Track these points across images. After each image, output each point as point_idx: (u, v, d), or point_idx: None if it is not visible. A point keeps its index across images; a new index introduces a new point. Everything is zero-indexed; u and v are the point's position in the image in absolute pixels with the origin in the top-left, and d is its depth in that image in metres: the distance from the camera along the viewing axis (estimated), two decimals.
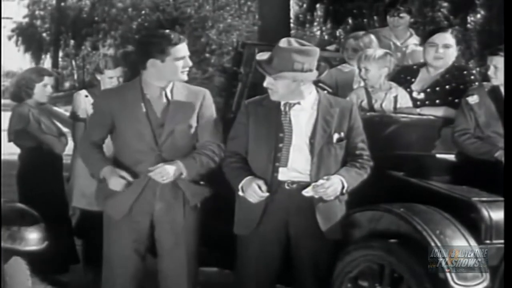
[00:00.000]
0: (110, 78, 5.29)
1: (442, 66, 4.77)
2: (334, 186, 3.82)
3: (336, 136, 3.89)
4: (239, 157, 3.97)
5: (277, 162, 3.88)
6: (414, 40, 5.75)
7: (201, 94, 4.07)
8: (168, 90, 3.99)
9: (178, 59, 3.89)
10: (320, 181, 3.82)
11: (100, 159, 4.00)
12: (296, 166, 3.88)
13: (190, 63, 3.94)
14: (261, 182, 3.84)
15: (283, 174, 3.88)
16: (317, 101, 3.93)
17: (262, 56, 3.90)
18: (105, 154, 4.08)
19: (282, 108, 3.92)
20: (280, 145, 3.88)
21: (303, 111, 3.91)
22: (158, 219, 4.00)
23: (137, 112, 3.92)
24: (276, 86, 3.84)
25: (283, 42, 3.83)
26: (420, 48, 5.61)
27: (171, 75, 3.92)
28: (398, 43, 5.62)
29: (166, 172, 3.87)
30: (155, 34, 3.99)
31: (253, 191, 3.82)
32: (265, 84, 3.88)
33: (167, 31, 3.97)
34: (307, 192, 3.83)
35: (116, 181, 3.89)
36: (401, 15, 5.68)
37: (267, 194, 3.83)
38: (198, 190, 4.06)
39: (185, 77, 3.97)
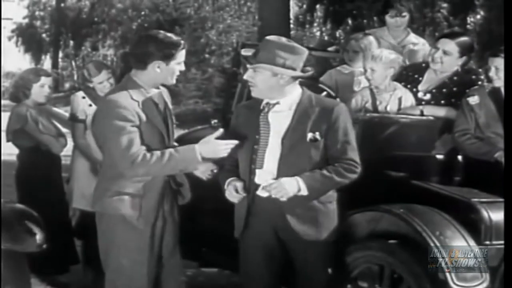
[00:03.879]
0: (100, 83, 5.33)
1: (441, 70, 4.75)
2: (282, 186, 3.71)
3: (309, 135, 3.78)
4: (232, 160, 3.95)
5: (253, 164, 3.84)
6: (411, 39, 5.73)
7: (166, 92, 4.08)
8: (160, 91, 3.98)
9: (179, 63, 3.90)
10: (269, 181, 3.76)
11: None
12: (270, 167, 3.81)
13: (184, 68, 3.94)
14: (239, 184, 3.83)
15: (259, 177, 3.83)
16: (298, 100, 3.86)
17: (247, 51, 3.92)
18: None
19: (262, 108, 3.88)
20: (256, 147, 3.84)
21: (281, 112, 3.84)
22: (166, 220, 3.97)
23: (155, 115, 3.88)
24: (255, 80, 3.81)
25: (271, 36, 3.82)
26: (417, 48, 5.61)
27: (167, 78, 3.89)
28: (395, 43, 5.61)
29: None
30: (165, 38, 3.87)
31: (229, 192, 3.84)
32: (245, 77, 3.86)
33: (174, 36, 3.92)
34: (261, 193, 3.80)
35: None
36: (403, 14, 5.66)
37: (243, 195, 3.81)
38: (188, 189, 4.08)
39: (174, 81, 3.96)
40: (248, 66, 3.84)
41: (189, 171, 3.85)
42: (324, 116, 3.79)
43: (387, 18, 5.66)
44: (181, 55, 3.88)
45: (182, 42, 3.88)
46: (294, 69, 3.78)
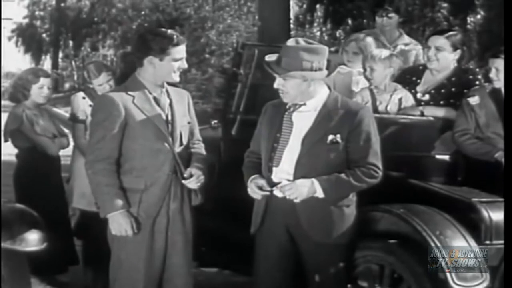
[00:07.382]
0: (100, 85, 5.33)
1: (438, 69, 4.75)
2: (297, 187, 3.71)
3: (330, 137, 3.76)
4: (255, 156, 3.97)
5: (270, 162, 3.84)
6: (403, 40, 5.75)
7: (186, 95, 4.16)
8: (165, 89, 4.01)
9: (176, 60, 3.91)
10: (285, 182, 3.76)
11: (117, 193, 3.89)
12: (286, 167, 3.81)
13: (186, 65, 3.95)
14: (262, 181, 3.83)
15: (276, 175, 3.83)
16: (323, 102, 3.83)
17: (271, 57, 3.82)
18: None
19: (287, 108, 3.86)
20: (275, 145, 3.84)
21: (306, 113, 3.82)
22: (172, 219, 3.98)
23: (151, 110, 3.91)
24: (286, 87, 3.77)
25: (290, 42, 3.79)
26: (408, 48, 5.62)
27: (166, 75, 3.93)
28: (387, 44, 5.62)
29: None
30: (157, 32, 3.97)
31: (251, 189, 3.83)
32: (275, 86, 3.81)
33: (169, 30, 3.98)
34: (276, 193, 3.79)
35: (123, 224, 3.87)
36: (390, 15, 5.69)
37: (268, 192, 3.80)
38: (202, 190, 4.09)
39: (178, 79, 3.98)
40: (276, 76, 3.79)
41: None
42: (347, 118, 3.77)
43: (376, 18, 5.72)
44: (176, 51, 3.89)
45: (175, 37, 3.88)
46: (321, 69, 3.77)
